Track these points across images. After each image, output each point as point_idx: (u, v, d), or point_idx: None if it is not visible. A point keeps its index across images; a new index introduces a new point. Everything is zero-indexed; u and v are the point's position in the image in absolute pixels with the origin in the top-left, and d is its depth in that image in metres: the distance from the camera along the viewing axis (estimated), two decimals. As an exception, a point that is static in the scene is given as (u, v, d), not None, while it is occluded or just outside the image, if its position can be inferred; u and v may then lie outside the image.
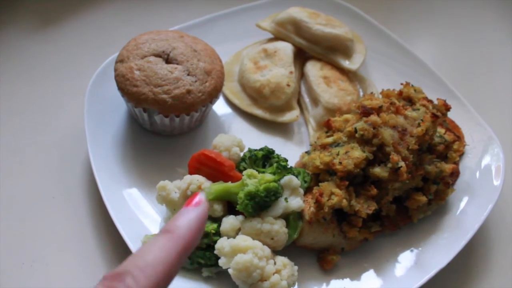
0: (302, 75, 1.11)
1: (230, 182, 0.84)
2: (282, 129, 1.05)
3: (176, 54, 0.92)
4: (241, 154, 0.90)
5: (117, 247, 0.88)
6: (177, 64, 0.91)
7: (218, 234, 0.82)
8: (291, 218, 0.84)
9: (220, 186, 0.83)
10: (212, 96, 0.93)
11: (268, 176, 0.82)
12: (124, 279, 0.50)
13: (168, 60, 0.92)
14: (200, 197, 0.61)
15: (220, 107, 1.06)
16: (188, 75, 0.91)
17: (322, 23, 1.09)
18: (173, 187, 0.85)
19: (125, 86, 0.90)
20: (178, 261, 0.54)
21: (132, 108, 0.92)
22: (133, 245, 0.82)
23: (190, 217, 0.58)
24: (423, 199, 0.88)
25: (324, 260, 0.87)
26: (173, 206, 0.85)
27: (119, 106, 1.00)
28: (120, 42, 0.99)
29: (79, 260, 0.89)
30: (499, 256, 0.95)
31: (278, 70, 1.05)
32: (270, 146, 0.91)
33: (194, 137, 1.00)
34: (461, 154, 0.99)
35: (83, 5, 1.29)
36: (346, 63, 1.09)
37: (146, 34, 0.95)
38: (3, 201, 0.94)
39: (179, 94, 0.89)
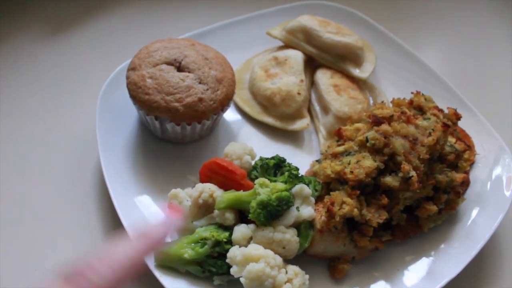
0: (312, 83, 1.11)
1: (241, 190, 0.84)
2: (293, 137, 1.05)
3: (187, 62, 0.92)
4: (253, 163, 0.91)
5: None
6: (189, 72, 0.91)
7: (229, 242, 0.82)
8: (303, 227, 0.84)
9: (231, 194, 0.83)
10: (223, 104, 0.93)
11: (280, 185, 0.83)
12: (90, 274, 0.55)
13: (180, 68, 0.92)
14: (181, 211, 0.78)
15: (231, 115, 1.07)
16: (199, 83, 0.91)
17: (332, 32, 1.10)
18: (185, 195, 0.86)
19: (137, 94, 0.90)
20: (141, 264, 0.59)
21: (144, 115, 0.92)
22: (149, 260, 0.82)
23: (166, 230, 0.63)
24: (434, 208, 0.88)
25: (335, 269, 0.87)
26: (184, 215, 0.85)
27: (130, 113, 1.01)
28: (131, 49, 1.00)
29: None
30: (510, 266, 0.95)
31: (288, 78, 1.05)
32: (280, 154, 0.92)
33: (205, 145, 1.00)
34: (472, 164, 0.99)
35: (93, 13, 1.30)
36: (356, 72, 1.09)
37: (157, 42, 0.96)
38: (14, 205, 0.95)
39: (191, 102, 0.89)
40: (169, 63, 0.92)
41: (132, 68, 0.92)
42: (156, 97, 0.88)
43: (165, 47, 0.94)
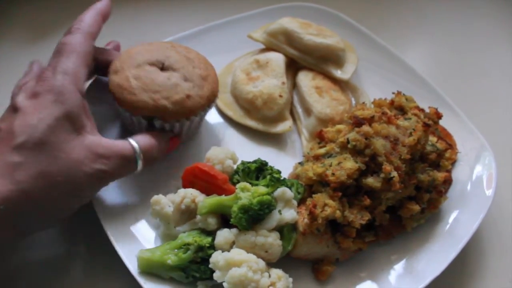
0: (294, 85, 1.11)
1: (224, 195, 0.84)
2: (275, 140, 1.05)
3: (171, 62, 0.91)
4: (235, 167, 0.91)
5: (112, 261, 0.88)
6: (173, 71, 0.90)
7: (212, 247, 0.82)
8: (285, 230, 0.84)
9: (213, 199, 0.83)
10: (209, 101, 0.93)
11: (262, 189, 0.83)
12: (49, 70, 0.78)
13: (163, 68, 0.91)
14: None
15: (213, 118, 1.07)
16: (185, 81, 0.90)
17: (313, 33, 1.10)
18: (167, 201, 0.85)
19: (122, 95, 0.88)
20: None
21: (130, 117, 0.90)
22: (128, 260, 0.82)
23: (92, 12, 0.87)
24: (416, 208, 0.88)
25: (318, 271, 0.87)
26: (167, 220, 0.85)
27: (110, 119, 1.00)
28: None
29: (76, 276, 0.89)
30: (493, 263, 0.96)
31: (270, 81, 1.05)
32: (263, 157, 0.92)
33: (187, 150, 1.00)
34: (454, 162, 0.99)
35: (76, 17, 1.29)
36: (338, 73, 1.10)
37: (138, 46, 0.95)
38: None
39: (180, 100, 0.88)
40: (152, 64, 0.91)
41: (114, 72, 0.90)
42: (143, 96, 0.86)
43: (146, 50, 0.93)
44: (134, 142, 0.83)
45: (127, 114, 0.89)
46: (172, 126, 0.90)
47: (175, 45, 0.96)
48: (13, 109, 0.75)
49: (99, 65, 0.90)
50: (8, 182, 0.69)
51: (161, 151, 0.87)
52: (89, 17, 0.85)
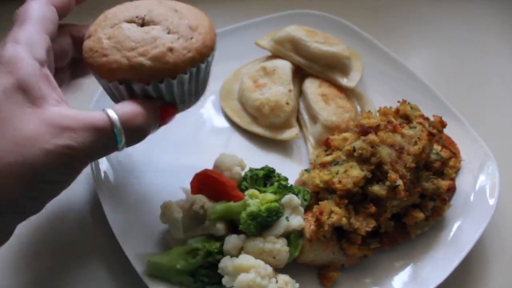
0: (300, 93, 1.13)
1: (232, 201, 0.86)
2: (282, 147, 1.06)
3: (152, 16, 0.75)
4: (243, 173, 0.92)
5: (120, 266, 0.89)
6: (154, 25, 0.74)
7: (221, 253, 0.83)
8: (292, 236, 0.86)
9: (222, 206, 0.85)
10: (202, 54, 0.75)
11: (270, 196, 0.84)
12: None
13: (144, 24, 0.75)
14: None
15: (221, 125, 1.08)
16: (168, 33, 0.73)
17: (319, 41, 1.11)
18: (177, 207, 0.87)
19: (93, 59, 0.73)
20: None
21: (107, 86, 0.76)
22: (137, 264, 0.83)
23: None
24: (421, 215, 0.90)
25: (324, 276, 0.89)
26: (177, 226, 0.86)
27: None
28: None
29: (83, 279, 0.90)
30: (496, 270, 0.97)
31: (277, 88, 1.07)
32: (270, 164, 0.93)
33: (196, 156, 1.01)
34: (457, 170, 1.01)
35: (78, 22, 1.30)
36: (344, 81, 1.11)
37: (117, 6, 0.79)
38: None
39: (159, 54, 0.71)
40: (129, 21, 0.75)
41: (88, 37, 0.76)
42: (115, 56, 0.71)
43: (125, 8, 0.77)
44: (110, 110, 0.67)
45: (103, 82, 0.76)
46: (157, 90, 0.74)
47: (163, 1, 0.80)
48: None
49: (78, 42, 0.78)
50: None
51: (149, 120, 0.71)
52: None
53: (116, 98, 0.77)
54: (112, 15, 0.76)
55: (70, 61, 0.81)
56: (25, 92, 0.62)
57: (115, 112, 0.66)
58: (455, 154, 1.00)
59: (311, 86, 1.10)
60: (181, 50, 0.72)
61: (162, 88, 0.73)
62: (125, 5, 0.78)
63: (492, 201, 0.95)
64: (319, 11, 1.24)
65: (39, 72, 0.64)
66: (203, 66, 0.76)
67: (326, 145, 0.97)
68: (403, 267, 0.92)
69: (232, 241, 0.83)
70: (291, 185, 0.91)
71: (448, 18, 1.43)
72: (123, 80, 0.72)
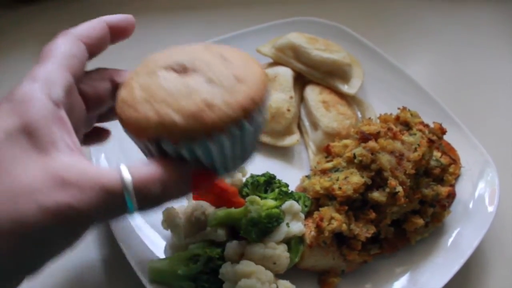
0: (301, 100, 1.13)
1: (233, 207, 0.86)
2: (283, 153, 1.07)
3: (195, 64, 0.62)
4: (244, 180, 0.93)
5: (122, 271, 0.90)
6: (196, 74, 0.61)
7: (222, 258, 0.84)
8: (293, 242, 0.86)
9: (223, 212, 0.85)
10: (247, 111, 0.60)
11: (270, 202, 0.85)
12: None
13: (183, 72, 0.62)
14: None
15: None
16: (208, 84, 0.60)
17: (320, 49, 1.12)
18: (178, 212, 0.88)
19: (123, 112, 0.62)
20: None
21: (137, 143, 0.65)
22: (139, 269, 0.84)
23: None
24: (420, 221, 0.90)
25: (325, 282, 0.89)
26: (178, 231, 0.87)
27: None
28: (124, 66, 1.01)
29: (84, 283, 0.91)
30: (495, 277, 0.97)
31: (278, 95, 1.08)
32: (271, 170, 0.94)
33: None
34: (457, 177, 1.01)
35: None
36: (344, 88, 1.12)
37: (163, 51, 0.68)
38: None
39: (194, 110, 0.58)
40: (168, 68, 0.63)
41: (123, 86, 0.65)
42: (145, 110, 0.60)
43: (167, 54, 0.66)
44: (125, 170, 0.55)
45: (131, 137, 0.64)
46: (192, 152, 0.61)
47: (210, 46, 0.67)
48: None
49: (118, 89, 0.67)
50: None
51: (170, 189, 0.58)
52: (86, 23, 0.66)
53: (146, 154, 0.66)
54: (153, 62, 0.65)
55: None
56: (32, 135, 0.53)
57: (130, 173, 0.55)
58: (455, 160, 1.01)
59: (312, 93, 1.11)
60: (221, 105, 0.58)
61: (197, 150, 0.60)
62: (169, 51, 0.67)
63: (491, 208, 0.96)
64: (320, 18, 1.25)
65: (52, 114, 0.56)
66: (248, 125, 0.61)
67: (326, 152, 0.98)
68: (403, 273, 0.92)
69: (233, 247, 0.83)
70: (292, 191, 0.92)
71: (449, 24, 1.44)
72: (152, 138, 0.60)
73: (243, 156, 0.67)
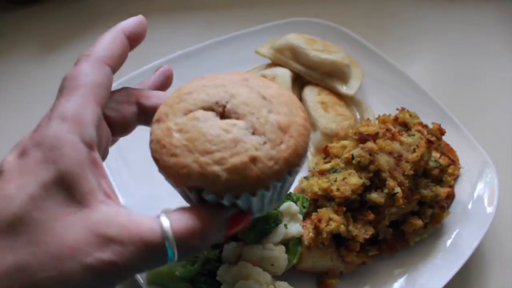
0: (300, 100, 1.13)
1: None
2: (281, 154, 1.07)
3: (235, 104, 0.60)
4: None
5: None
6: (237, 118, 0.60)
7: (219, 260, 0.84)
8: (291, 243, 0.86)
9: (221, 213, 0.85)
10: (291, 165, 0.60)
11: (268, 203, 0.85)
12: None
13: (224, 115, 0.61)
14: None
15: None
16: (252, 134, 0.59)
17: (319, 49, 1.12)
18: (176, 214, 0.87)
19: (160, 156, 0.60)
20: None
21: (174, 186, 0.63)
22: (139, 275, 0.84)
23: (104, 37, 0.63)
24: (419, 223, 0.90)
25: (323, 284, 0.89)
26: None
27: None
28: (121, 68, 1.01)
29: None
30: (495, 278, 0.97)
31: (276, 96, 1.07)
32: (269, 171, 0.93)
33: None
34: (456, 178, 1.01)
35: (85, 30, 1.32)
36: (343, 88, 1.12)
37: (195, 80, 0.65)
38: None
39: (239, 165, 0.57)
40: (208, 108, 0.61)
41: (157, 120, 0.62)
42: (186, 159, 0.58)
43: (203, 86, 0.63)
44: (165, 221, 0.54)
45: (170, 181, 0.63)
46: (231, 202, 0.60)
47: (249, 78, 0.65)
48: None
49: (145, 112, 0.66)
50: None
51: (210, 236, 0.58)
52: (105, 38, 0.63)
53: (184, 197, 0.66)
54: (187, 95, 0.62)
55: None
56: (69, 187, 0.51)
57: (170, 225, 0.54)
58: (454, 161, 1.01)
59: (311, 94, 1.11)
60: (266, 161, 0.58)
61: (238, 202, 0.60)
62: (202, 82, 0.64)
63: (490, 209, 0.95)
64: (318, 19, 1.25)
65: (87, 160, 0.53)
66: (289, 177, 0.62)
67: (325, 153, 0.98)
68: (402, 274, 0.92)
69: (231, 248, 0.83)
70: (290, 193, 0.91)
71: (448, 24, 1.44)
72: (192, 187, 0.59)
73: (279, 199, 0.67)
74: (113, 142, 0.70)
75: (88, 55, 0.60)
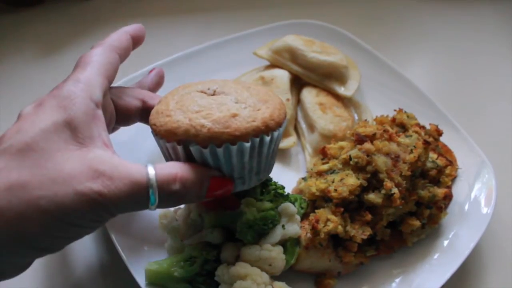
0: (298, 102, 1.14)
1: (229, 210, 0.86)
2: (280, 155, 1.07)
3: (223, 89, 0.75)
4: (240, 182, 0.93)
5: (120, 273, 0.90)
6: (224, 95, 0.74)
7: (218, 260, 0.84)
8: (289, 244, 0.86)
9: (219, 214, 0.85)
10: (267, 126, 0.72)
11: (266, 204, 0.85)
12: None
13: (214, 95, 0.75)
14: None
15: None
16: (236, 103, 0.72)
17: (317, 51, 1.13)
18: (175, 215, 0.88)
19: (157, 119, 0.73)
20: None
21: (165, 146, 0.73)
22: (136, 273, 0.84)
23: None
24: (417, 223, 0.90)
25: (321, 284, 0.89)
26: (174, 234, 0.87)
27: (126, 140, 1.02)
28: (122, 69, 1.02)
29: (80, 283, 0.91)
30: (492, 278, 0.97)
31: (275, 98, 1.08)
32: (268, 172, 0.94)
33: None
34: (454, 178, 1.01)
35: (86, 32, 1.33)
36: (341, 90, 1.12)
37: (194, 82, 0.81)
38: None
39: (221, 117, 0.69)
40: (201, 91, 0.76)
41: (158, 103, 0.78)
42: (178, 116, 0.71)
43: (200, 83, 0.78)
44: (151, 168, 0.65)
45: (162, 142, 0.73)
46: (215, 157, 0.71)
47: (239, 81, 0.83)
48: (18, 117, 0.66)
49: (147, 110, 0.80)
50: None
51: (190, 188, 0.68)
52: (114, 34, 0.77)
53: (171, 157, 0.75)
54: (186, 87, 0.77)
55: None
56: (74, 129, 0.62)
57: (155, 170, 0.65)
58: (451, 162, 1.01)
59: (309, 95, 1.11)
60: (245, 117, 0.70)
61: (220, 154, 0.70)
62: (201, 82, 0.79)
63: (488, 209, 0.96)
64: (316, 20, 1.26)
65: (92, 112, 0.65)
66: (267, 139, 0.72)
67: (322, 154, 0.98)
68: (400, 275, 0.92)
69: (229, 249, 0.84)
70: (288, 194, 0.92)
71: (446, 26, 1.44)
72: (181, 141, 0.70)
73: (259, 172, 0.77)
74: (114, 129, 0.84)
75: (101, 43, 0.74)
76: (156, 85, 0.89)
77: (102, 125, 0.67)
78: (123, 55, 0.77)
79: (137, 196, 0.63)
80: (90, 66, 0.70)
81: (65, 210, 0.58)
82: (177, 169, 0.67)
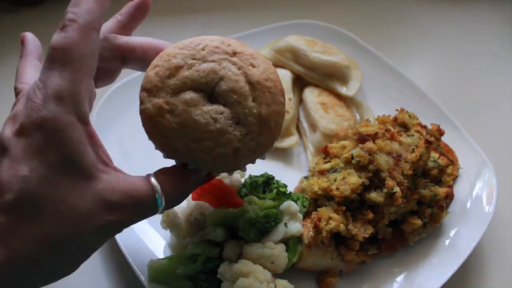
0: (300, 101, 1.14)
1: (231, 208, 0.87)
2: (282, 154, 1.08)
3: (224, 90, 0.66)
4: (242, 181, 0.93)
5: (123, 271, 0.91)
6: (224, 105, 0.66)
7: (220, 258, 0.84)
8: (291, 242, 0.87)
9: (222, 212, 0.86)
10: (263, 151, 0.70)
11: (268, 202, 0.85)
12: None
13: (211, 97, 0.66)
14: None
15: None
16: (236, 124, 0.66)
17: (319, 51, 1.13)
18: (177, 213, 0.88)
19: (153, 132, 0.67)
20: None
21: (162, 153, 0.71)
22: (138, 269, 0.85)
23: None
24: (418, 222, 0.91)
25: (323, 282, 0.90)
26: (177, 231, 0.88)
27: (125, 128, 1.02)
28: (122, 70, 1.02)
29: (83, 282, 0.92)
30: (494, 277, 0.98)
31: (277, 97, 1.08)
32: (270, 171, 0.94)
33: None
34: (455, 178, 1.02)
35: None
36: (343, 90, 1.13)
37: (182, 45, 0.71)
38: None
39: (223, 154, 0.66)
40: (197, 89, 0.66)
41: (147, 89, 0.67)
42: (177, 141, 0.65)
43: (193, 58, 0.67)
44: (155, 183, 0.65)
45: (158, 148, 0.70)
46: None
47: (237, 51, 0.69)
48: (1, 147, 0.58)
49: (127, 57, 0.72)
50: (1, 246, 0.55)
51: (185, 194, 0.70)
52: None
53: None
54: (178, 71, 0.66)
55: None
56: (75, 164, 0.58)
57: (160, 185, 0.65)
58: (452, 161, 1.01)
59: (311, 95, 1.12)
60: (246, 151, 0.67)
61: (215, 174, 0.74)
62: (191, 52, 0.69)
63: (489, 208, 0.96)
64: (318, 21, 1.26)
65: (85, 137, 0.59)
66: (262, 157, 0.72)
67: (324, 153, 0.99)
68: (401, 273, 0.92)
69: (231, 246, 0.84)
70: (290, 192, 0.92)
71: (447, 27, 1.45)
72: (180, 162, 0.69)
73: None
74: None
75: (73, 20, 0.61)
76: (133, 20, 0.79)
77: (97, 143, 0.61)
78: (102, 23, 0.66)
79: (147, 212, 0.65)
80: (69, 69, 0.58)
81: (90, 244, 0.61)
82: (177, 180, 0.68)
